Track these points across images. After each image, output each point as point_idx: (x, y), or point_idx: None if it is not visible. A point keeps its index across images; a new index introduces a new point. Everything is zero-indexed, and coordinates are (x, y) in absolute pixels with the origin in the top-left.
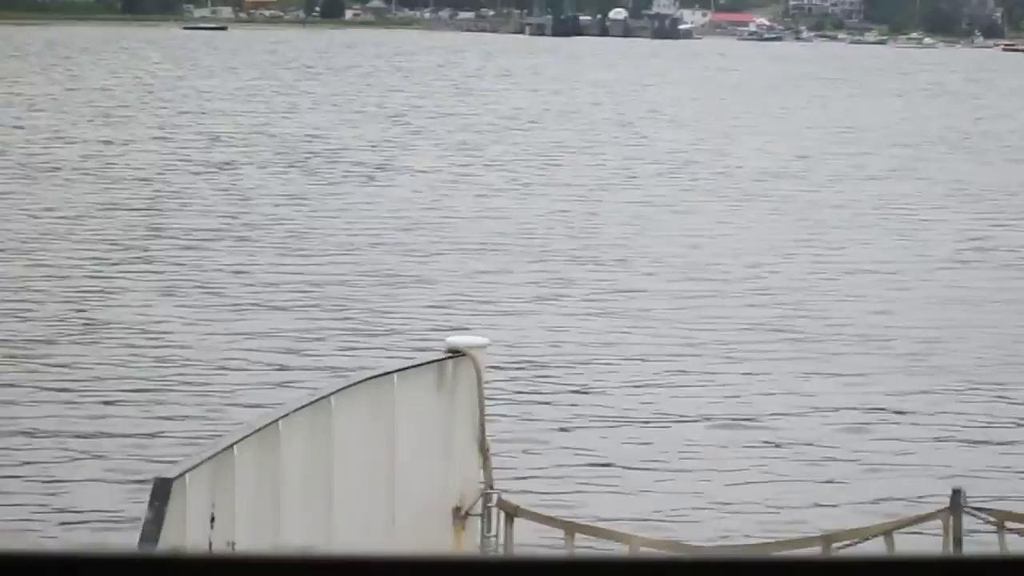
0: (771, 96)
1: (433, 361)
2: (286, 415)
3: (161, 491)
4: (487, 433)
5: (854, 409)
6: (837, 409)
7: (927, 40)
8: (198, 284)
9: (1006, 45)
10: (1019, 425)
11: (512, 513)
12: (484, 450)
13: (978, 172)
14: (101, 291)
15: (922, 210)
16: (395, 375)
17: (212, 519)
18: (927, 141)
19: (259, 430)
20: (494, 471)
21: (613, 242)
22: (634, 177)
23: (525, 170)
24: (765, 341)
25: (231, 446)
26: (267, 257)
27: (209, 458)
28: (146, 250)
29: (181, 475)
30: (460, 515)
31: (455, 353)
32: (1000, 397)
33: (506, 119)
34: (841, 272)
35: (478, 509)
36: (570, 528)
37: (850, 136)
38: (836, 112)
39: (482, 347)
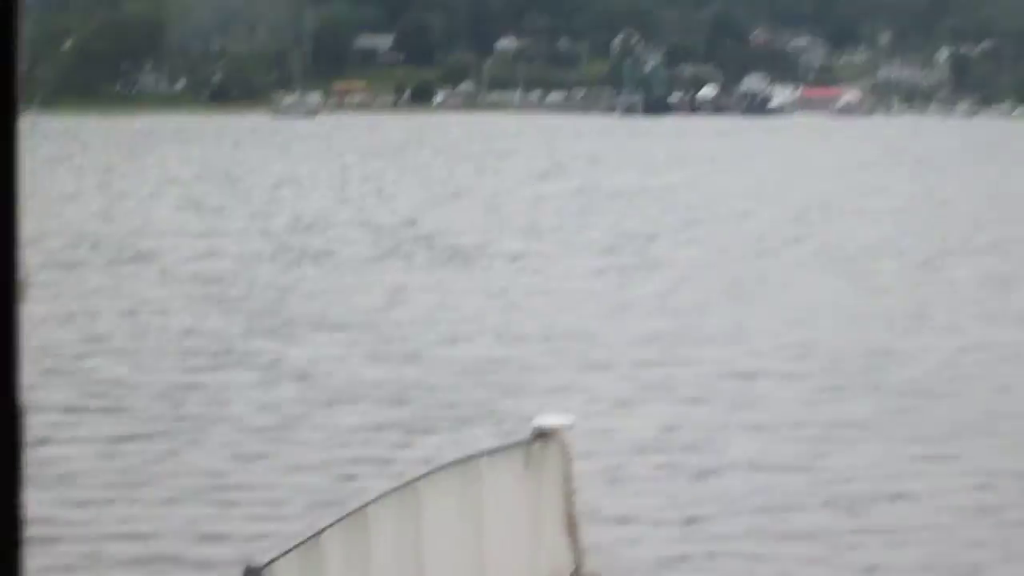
0: (867, 172)
1: (521, 443)
2: (375, 500)
3: None
4: (576, 513)
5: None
6: (950, 491)
7: (1019, 109)
8: (298, 376)
9: None
10: None
11: None
12: (573, 531)
13: None
14: (194, 386)
15: None
16: (483, 459)
17: None
18: None
19: (348, 516)
20: (584, 552)
21: (716, 322)
22: (735, 258)
23: (622, 251)
24: (883, 424)
25: (320, 533)
26: (365, 346)
27: (298, 546)
28: (241, 343)
29: (270, 563)
30: None
31: (542, 434)
32: None
33: (601, 200)
34: (956, 351)
35: None
36: None
37: (946, 211)
38: (931, 186)
39: (569, 427)
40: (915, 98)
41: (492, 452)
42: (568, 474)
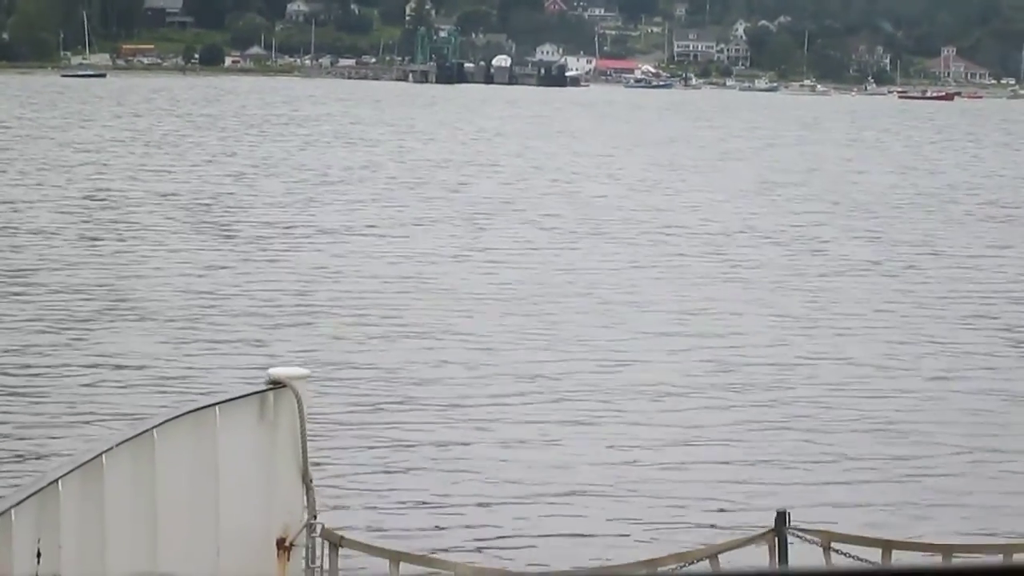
0: (686, 147)
1: (255, 393)
2: (109, 449)
3: None
4: (310, 464)
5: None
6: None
7: (819, 87)
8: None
9: (900, 92)
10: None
11: (336, 543)
12: (307, 481)
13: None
14: None
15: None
16: (217, 407)
17: (38, 554)
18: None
19: (83, 464)
20: (318, 502)
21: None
22: (574, 234)
23: (451, 226)
24: (570, 392)
25: (56, 481)
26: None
27: (34, 493)
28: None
29: (7, 510)
30: (284, 546)
31: (276, 384)
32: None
33: (423, 168)
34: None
35: (302, 539)
36: (395, 557)
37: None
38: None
39: (303, 378)
40: (711, 71)
41: (226, 401)
42: (302, 425)
